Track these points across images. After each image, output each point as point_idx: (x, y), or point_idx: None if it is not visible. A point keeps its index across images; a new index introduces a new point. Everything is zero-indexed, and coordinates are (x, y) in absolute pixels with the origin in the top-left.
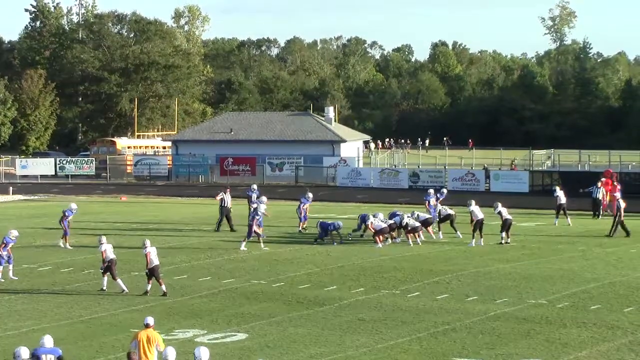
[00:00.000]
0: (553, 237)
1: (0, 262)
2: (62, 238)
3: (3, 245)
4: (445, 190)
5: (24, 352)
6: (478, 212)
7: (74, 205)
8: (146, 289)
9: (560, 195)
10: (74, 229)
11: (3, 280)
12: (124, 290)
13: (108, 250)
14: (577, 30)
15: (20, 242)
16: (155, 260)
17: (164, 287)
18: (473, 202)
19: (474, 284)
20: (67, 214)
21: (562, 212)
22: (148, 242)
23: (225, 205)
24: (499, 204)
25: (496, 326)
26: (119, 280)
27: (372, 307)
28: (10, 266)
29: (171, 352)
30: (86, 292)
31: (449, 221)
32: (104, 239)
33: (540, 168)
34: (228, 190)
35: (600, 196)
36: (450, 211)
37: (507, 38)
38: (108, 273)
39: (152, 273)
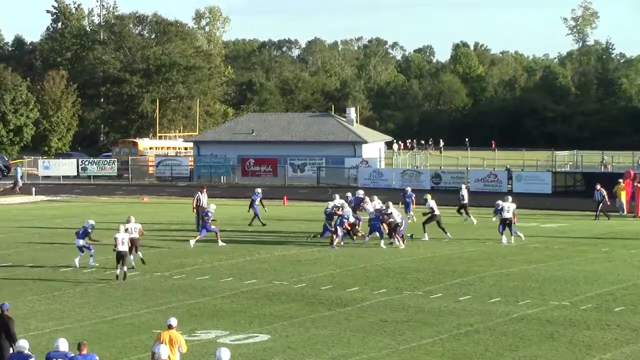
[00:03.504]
0: (576, 238)
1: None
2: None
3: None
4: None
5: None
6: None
7: (91, 222)
8: (116, 273)
9: (464, 194)
10: (96, 230)
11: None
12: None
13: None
14: (599, 31)
15: (43, 243)
16: (121, 247)
17: (118, 271)
18: (508, 199)
19: (496, 285)
20: (88, 230)
21: (464, 210)
22: (122, 227)
23: (201, 204)
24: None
25: (519, 328)
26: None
27: (394, 309)
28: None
29: (164, 350)
30: (109, 293)
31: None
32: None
33: (563, 169)
34: (204, 190)
35: (599, 198)
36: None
37: (529, 39)
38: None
39: (118, 257)
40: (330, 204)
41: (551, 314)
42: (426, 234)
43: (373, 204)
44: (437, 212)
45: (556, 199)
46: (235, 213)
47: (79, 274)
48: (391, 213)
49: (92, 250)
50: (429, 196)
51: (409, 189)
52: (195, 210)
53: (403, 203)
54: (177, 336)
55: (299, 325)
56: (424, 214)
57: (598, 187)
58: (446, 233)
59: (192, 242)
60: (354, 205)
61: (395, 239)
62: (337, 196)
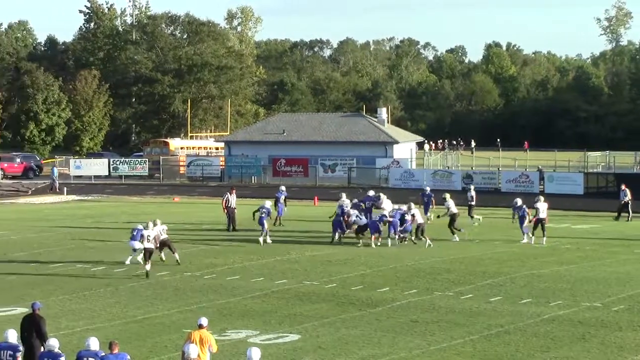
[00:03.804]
0: (608, 239)
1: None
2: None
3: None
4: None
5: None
6: (543, 209)
7: (139, 227)
8: (145, 270)
9: (473, 195)
10: (127, 230)
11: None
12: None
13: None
14: (633, 31)
15: (74, 242)
16: (147, 244)
17: (148, 267)
18: (540, 199)
19: (527, 286)
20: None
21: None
22: (151, 225)
23: (230, 205)
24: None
25: (550, 329)
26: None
27: (425, 309)
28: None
29: (193, 349)
30: (140, 292)
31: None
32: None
33: (595, 170)
34: (233, 190)
35: (627, 199)
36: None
37: (562, 39)
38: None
39: (145, 254)
40: (346, 202)
41: (583, 315)
42: (456, 235)
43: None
44: (455, 210)
45: (588, 199)
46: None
47: (109, 274)
48: (414, 215)
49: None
50: (447, 195)
51: (427, 188)
52: (225, 211)
53: (422, 203)
54: (208, 336)
55: (330, 325)
56: (439, 217)
57: (623, 187)
58: (456, 232)
59: (269, 240)
60: (367, 206)
61: (423, 239)
62: (344, 195)
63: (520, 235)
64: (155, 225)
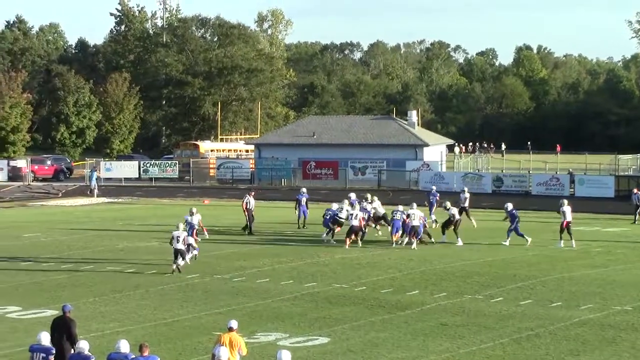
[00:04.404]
0: (639, 243)
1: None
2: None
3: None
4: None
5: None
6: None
7: (187, 218)
8: (172, 267)
9: (467, 197)
10: (157, 232)
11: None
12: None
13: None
14: None
15: (104, 244)
16: (177, 245)
17: (174, 266)
18: (564, 202)
19: (558, 289)
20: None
21: (465, 213)
22: (181, 226)
23: (250, 207)
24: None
25: (581, 332)
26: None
27: (454, 312)
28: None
29: (224, 352)
30: (169, 295)
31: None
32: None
33: (626, 173)
34: (252, 193)
35: (637, 201)
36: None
37: (593, 42)
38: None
39: (175, 253)
40: (360, 207)
41: (613, 319)
42: (460, 239)
43: (372, 205)
44: (457, 217)
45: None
46: (294, 216)
47: (139, 276)
48: (408, 215)
49: (197, 250)
50: (448, 203)
51: (433, 188)
52: (245, 213)
53: (428, 203)
54: (237, 339)
55: (359, 328)
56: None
57: (635, 190)
58: (446, 236)
59: (325, 236)
60: (361, 207)
61: (413, 240)
62: (347, 201)
63: (522, 239)
64: (192, 215)
